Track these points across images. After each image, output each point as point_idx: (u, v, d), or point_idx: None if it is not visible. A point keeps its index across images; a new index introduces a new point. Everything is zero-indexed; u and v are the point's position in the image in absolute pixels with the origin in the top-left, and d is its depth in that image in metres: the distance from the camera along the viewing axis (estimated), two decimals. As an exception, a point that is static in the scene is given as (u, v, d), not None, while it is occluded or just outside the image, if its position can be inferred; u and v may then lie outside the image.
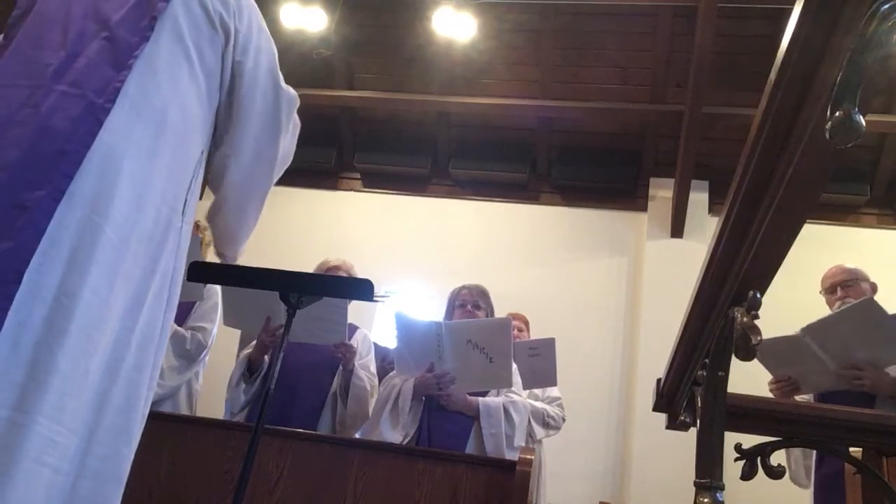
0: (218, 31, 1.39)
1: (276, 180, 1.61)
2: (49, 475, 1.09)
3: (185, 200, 1.35)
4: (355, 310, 2.89)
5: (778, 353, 2.55)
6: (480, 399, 2.61)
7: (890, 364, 2.52)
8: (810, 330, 2.51)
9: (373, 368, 3.00)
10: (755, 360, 0.95)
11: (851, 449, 1.46)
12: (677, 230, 5.28)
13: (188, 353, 2.96)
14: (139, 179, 1.23)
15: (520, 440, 2.58)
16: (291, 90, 1.56)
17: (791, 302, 3.25)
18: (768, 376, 2.79)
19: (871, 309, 2.45)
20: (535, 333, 3.78)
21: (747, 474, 1.17)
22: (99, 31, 1.28)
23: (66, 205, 1.13)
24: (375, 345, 3.16)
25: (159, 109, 1.28)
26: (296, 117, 1.63)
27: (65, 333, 1.10)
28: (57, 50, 1.27)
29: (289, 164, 1.65)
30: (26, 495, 1.05)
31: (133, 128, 1.24)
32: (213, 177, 1.54)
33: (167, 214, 1.29)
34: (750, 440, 1.19)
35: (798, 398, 2.73)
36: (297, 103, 1.59)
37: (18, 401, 1.05)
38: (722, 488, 1.03)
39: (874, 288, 2.75)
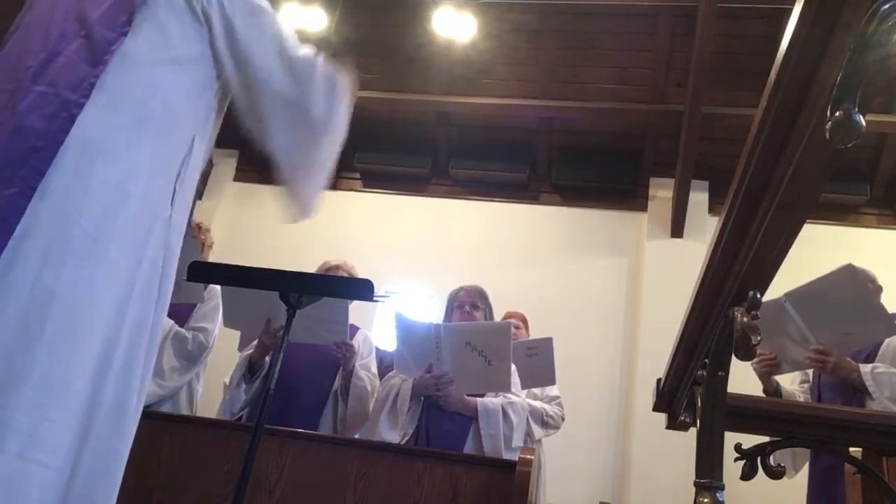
0: (201, 20, 1.39)
1: (324, 131, 1.60)
2: (39, 472, 1.08)
3: (174, 190, 1.35)
4: (355, 310, 2.89)
5: (763, 320, 2.56)
6: (479, 399, 2.61)
7: (859, 336, 2.56)
8: (791, 296, 2.55)
9: (374, 368, 3.00)
10: (755, 360, 0.95)
11: (851, 449, 1.47)
12: (677, 230, 5.28)
13: (189, 354, 2.96)
14: (117, 171, 1.23)
15: (518, 441, 2.58)
16: (307, 55, 1.55)
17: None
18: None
19: (849, 275, 2.48)
20: (535, 333, 3.78)
21: (747, 474, 1.17)
22: (79, 30, 1.30)
23: (38, 200, 1.14)
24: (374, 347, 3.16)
25: (139, 101, 1.29)
26: (337, 81, 1.61)
27: (42, 328, 1.10)
28: (38, 53, 1.28)
29: (338, 130, 1.64)
30: (13, 492, 1.05)
31: (109, 121, 1.25)
32: (260, 146, 1.57)
33: (153, 204, 1.29)
34: (750, 440, 1.19)
35: (777, 378, 2.76)
36: (317, 63, 1.56)
37: None
38: (722, 488, 1.03)
39: (879, 290, 2.76)
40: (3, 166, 1.15)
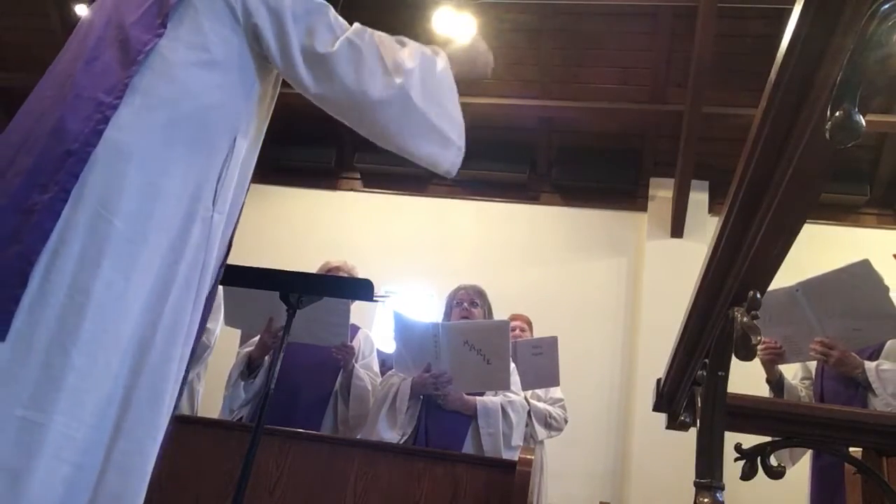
0: (240, 20, 1.39)
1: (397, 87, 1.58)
2: (68, 471, 1.10)
3: (216, 190, 1.35)
4: (355, 310, 2.89)
5: (772, 308, 2.56)
6: (478, 398, 2.61)
7: (868, 333, 2.56)
8: (805, 286, 2.55)
9: (376, 368, 3.00)
10: (755, 360, 0.95)
11: (851, 449, 1.47)
12: (677, 230, 5.28)
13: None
14: (152, 171, 1.24)
15: (517, 440, 2.58)
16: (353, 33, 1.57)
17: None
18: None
19: (866, 271, 2.48)
20: (536, 334, 3.78)
21: (747, 474, 1.17)
22: (116, 35, 1.32)
23: (74, 203, 1.15)
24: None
25: (172, 102, 1.29)
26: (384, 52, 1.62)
27: (79, 330, 1.11)
28: (79, 59, 1.31)
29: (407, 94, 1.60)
30: (43, 492, 1.06)
31: (143, 122, 1.25)
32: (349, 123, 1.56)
33: (189, 204, 1.29)
34: (750, 440, 1.19)
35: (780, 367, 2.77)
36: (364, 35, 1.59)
37: (34, 399, 1.07)
38: (722, 488, 1.03)
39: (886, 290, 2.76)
40: (40, 171, 1.17)
